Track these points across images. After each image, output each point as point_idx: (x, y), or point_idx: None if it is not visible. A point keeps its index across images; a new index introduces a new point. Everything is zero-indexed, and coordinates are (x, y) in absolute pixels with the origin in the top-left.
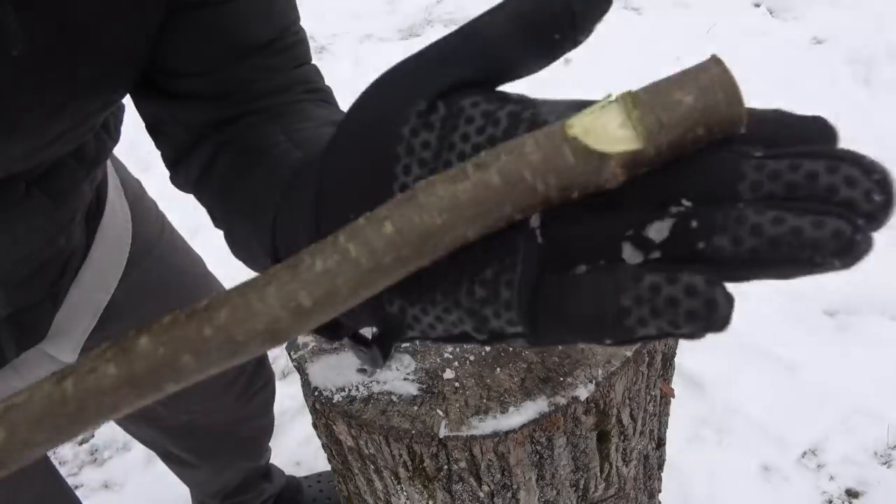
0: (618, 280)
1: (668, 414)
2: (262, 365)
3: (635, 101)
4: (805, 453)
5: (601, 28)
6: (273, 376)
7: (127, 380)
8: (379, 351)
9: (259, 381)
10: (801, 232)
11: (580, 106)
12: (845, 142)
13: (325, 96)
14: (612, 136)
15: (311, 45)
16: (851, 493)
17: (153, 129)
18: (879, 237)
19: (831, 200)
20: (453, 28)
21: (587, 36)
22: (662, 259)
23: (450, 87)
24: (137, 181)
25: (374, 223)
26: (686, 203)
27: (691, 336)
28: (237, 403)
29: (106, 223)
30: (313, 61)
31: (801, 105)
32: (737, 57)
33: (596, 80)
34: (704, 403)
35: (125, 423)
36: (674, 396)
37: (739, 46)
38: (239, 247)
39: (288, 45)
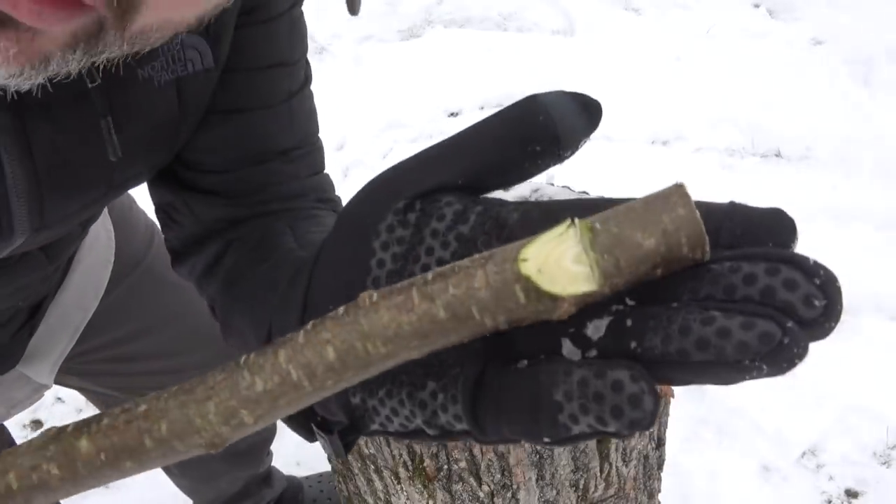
0: (552, 373)
1: (667, 414)
2: None
3: (593, 239)
4: (804, 453)
5: (602, 28)
6: None
7: (70, 479)
8: (340, 442)
9: None
10: (729, 333)
11: (546, 209)
12: (845, 142)
13: (336, 206)
14: (567, 273)
15: (311, 45)
16: (851, 493)
17: (164, 214)
18: (879, 237)
19: (768, 303)
20: (454, 28)
21: (573, 152)
22: (598, 356)
23: (430, 190)
24: (127, 194)
25: (315, 346)
26: (630, 302)
27: (618, 435)
28: None
29: (84, 251)
30: (313, 61)
31: (800, 105)
32: (737, 57)
33: (596, 80)
34: (704, 403)
35: None
36: (673, 396)
37: (739, 46)
38: (234, 336)
39: (305, 153)
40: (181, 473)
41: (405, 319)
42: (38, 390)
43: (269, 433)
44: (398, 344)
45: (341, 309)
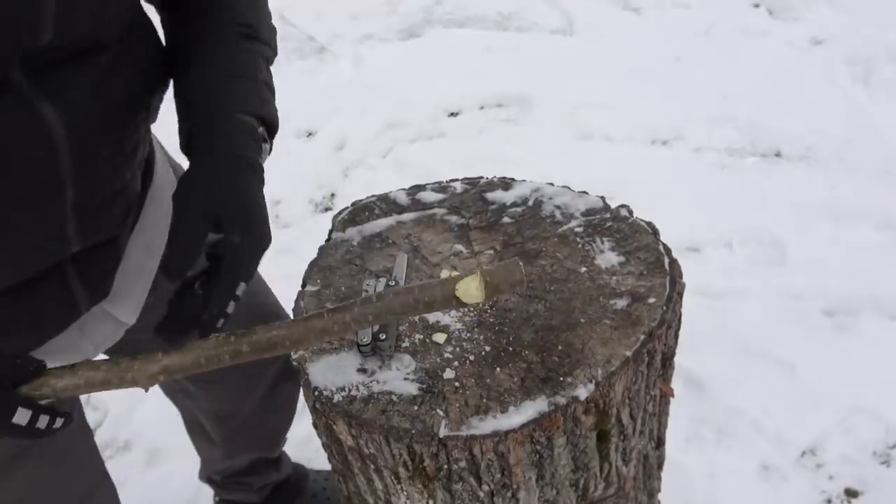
0: None
1: (667, 414)
2: (289, 363)
3: (485, 280)
4: (804, 453)
5: (601, 28)
6: (298, 373)
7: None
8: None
9: (287, 375)
10: None
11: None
12: (845, 142)
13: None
14: (471, 294)
15: (311, 45)
16: (850, 493)
17: None
18: (879, 237)
19: None
20: (453, 28)
21: None
22: None
23: None
24: (179, 165)
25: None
26: None
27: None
28: (266, 394)
29: (155, 189)
30: (314, 61)
31: (800, 105)
32: (737, 57)
33: (597, 80)
34: (704, 403)
35: (170, 391)
36: (673, 396)
37: (739, 46)
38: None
39: None
40: (219, 441)
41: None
42: (119, 328)
43: (289, 419)
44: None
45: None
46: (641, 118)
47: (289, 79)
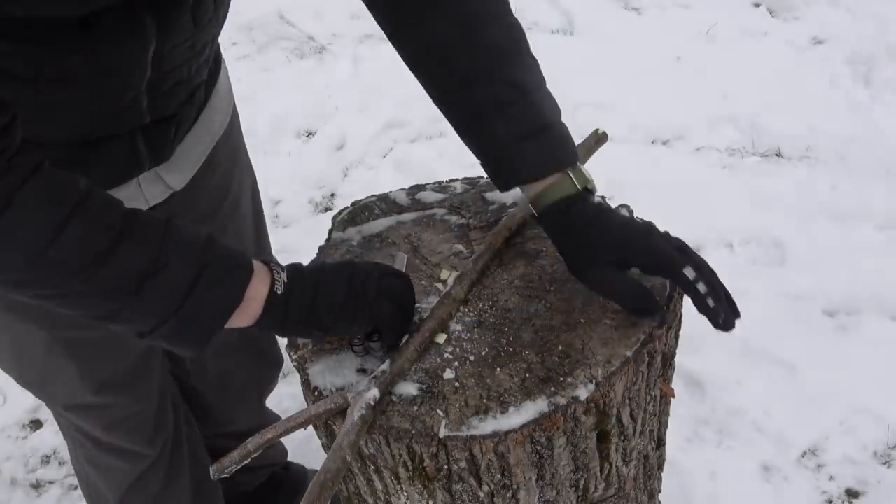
0: None
1: (668, 414)
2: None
3: None
4: (805, 453)
5: (602, 27)
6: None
7: None
8: None
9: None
10: None
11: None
12: (845, 142)
13: None
14: None
15: (311, 45)
16: (851, 493)
17: None
18: (880, 237)
19: None
20: None
21: None
22: None
23: None
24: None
25: None
26: None
27: None
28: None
29: (219, 87)
30: (314, 61)
31: (801, 105)
32: (737, 57)
33: (597, 80)
34: (704, 403)
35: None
36: (674, 396)
37: (739, 46)
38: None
39: None
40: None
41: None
42: (167, 191)
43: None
44: None
45: None
46: (642, 118)
47: (289, 79)
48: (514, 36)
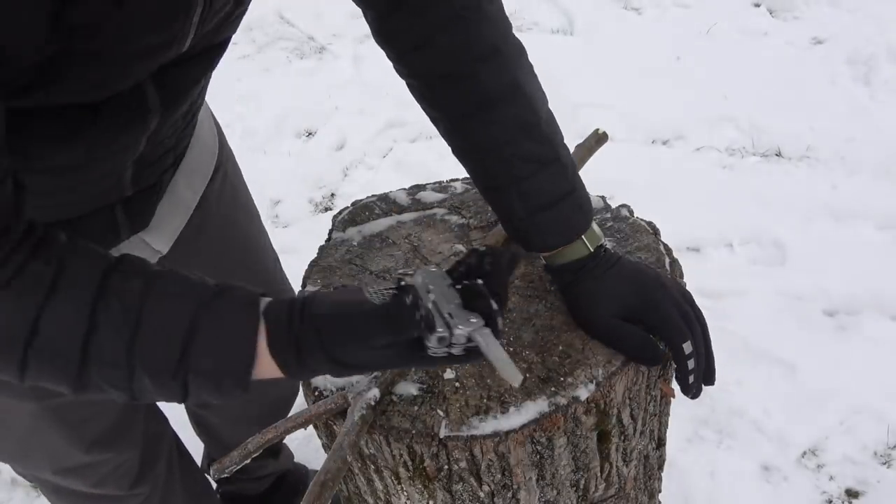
0: None
1: (668, 414)
2: None
3: None
4: (805, 453)
5: (602, 27)
6: None
7: None
8: None
9: None
10: None
11: None
12: (845, 141)
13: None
14: None
15: (311, 45)
16: (851, 493)
17: None
18: (880, 237)
19: None
20: None
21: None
22: None
23: None
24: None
25: None
26: None
27: None
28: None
29: (198, 133)
30: (313, 61)
31: (800, 105)
32: (737, 57)
33: (597, 80)
34: (704, 404)
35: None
36: (674, 396)
37: (739, 46)
38: None
39: None
40: (215, 415)
41: None
42: (153, 255)
43: (293, 390)
44: None
45: None
46: (642, 118)
47: (289, 79)
48: (532, 105)
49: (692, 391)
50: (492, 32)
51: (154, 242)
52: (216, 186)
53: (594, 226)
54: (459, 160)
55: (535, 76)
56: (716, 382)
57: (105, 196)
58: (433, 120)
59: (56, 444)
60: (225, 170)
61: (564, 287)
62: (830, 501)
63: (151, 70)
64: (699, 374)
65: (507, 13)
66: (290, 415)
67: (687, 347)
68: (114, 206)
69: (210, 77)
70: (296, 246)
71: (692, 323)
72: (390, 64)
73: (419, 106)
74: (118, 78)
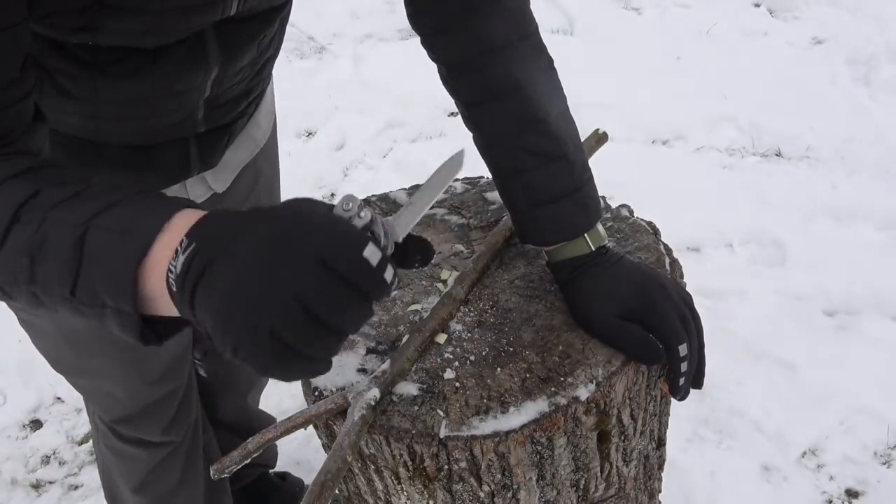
0: None
1: (668, 414)
2: None
3: None
4: (805, 453)
5: (601, 27)
6: None
7: None
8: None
9: None
10: None
11: None
12: (845, 142)
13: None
14: None
15: (311, 45)
16: (851, 493)
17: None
18: (880, 237)
19: None
20: None
21: None
22: None
23: None
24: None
25: None
26: None
27: None
28: None
29: (266, 97)
30: (313, 61)
31: (800, 105)
32: (737, 57)
33: (597, 80)
34: (705, 404)
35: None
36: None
37: (739, 46)
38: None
39: None
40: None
41: None
42: (208, 192)
43: None
44: None
45: None
46: (642, 118)
47: (289, 79)
48: (540, 102)
49: (680, 393)
50: (506, 27)
51: (213, 182)
52: (268, 145)
53: (599, 227)
54: (476, 147)
55: (550, 75)
56: (703, 386)
57: (179, 129)
58: (456, 105)
59: (125, 362)
60: (273, 136)
61: (563, 284)
62: (830, 501)
63: (203, 25)
64: (689, 377)
65: None
66: (290, 415)
67: (682, 350)
68: (188, 142)
69: (281, 34)
70: None
71: (689, 326)
72: (390, 64)
73: (423, 105)
74: (165, 30)
